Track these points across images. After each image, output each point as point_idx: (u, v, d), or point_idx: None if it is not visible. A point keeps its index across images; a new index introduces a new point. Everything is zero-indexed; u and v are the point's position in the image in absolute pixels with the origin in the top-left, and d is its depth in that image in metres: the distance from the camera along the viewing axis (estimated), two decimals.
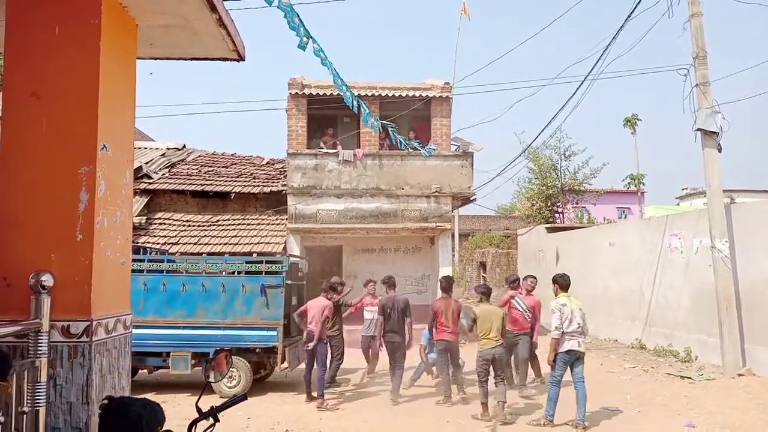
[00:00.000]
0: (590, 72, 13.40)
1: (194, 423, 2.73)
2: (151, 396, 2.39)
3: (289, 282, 9.51)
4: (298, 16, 4.99)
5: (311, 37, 5.10)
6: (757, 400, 8.15)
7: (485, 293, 8.38)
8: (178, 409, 7.69)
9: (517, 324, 9.18)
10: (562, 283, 7.60)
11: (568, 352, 7.30)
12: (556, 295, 7.64)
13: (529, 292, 9.60)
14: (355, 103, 6.92)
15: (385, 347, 9.13)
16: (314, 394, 8.71)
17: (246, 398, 3.05)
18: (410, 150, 14.00)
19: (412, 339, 9.16)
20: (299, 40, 4.97)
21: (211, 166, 16.90)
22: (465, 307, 9.81)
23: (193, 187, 15.41)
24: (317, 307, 8.87)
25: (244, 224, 14.90)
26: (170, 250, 12.59)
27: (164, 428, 2.38)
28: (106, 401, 2.25)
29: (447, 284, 8.99)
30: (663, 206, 25.71)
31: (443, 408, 8.35)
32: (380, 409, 8.39)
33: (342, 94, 6.67)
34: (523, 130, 62.45)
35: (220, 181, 15.84)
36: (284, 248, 13.85)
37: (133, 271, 4.21)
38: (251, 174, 16.42)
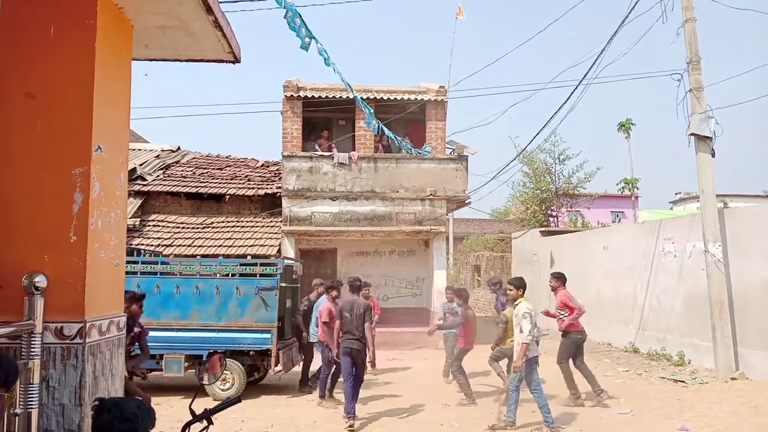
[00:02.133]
0: (585, 76, 13.47)
1: (188, 425, 2.73)
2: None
3: (283, 284, 9.49)
4: (300, 16, 5.00)
5: (314, 38, 5.11)
6: (750, 404, 8.18)
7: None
8: (171, 411, 7.66)
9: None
10: (522, 285, 7.51)
11: (535, 357, 7.30)
12: (514, 300, 7.43)
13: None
14: (360, 100, 6.94)
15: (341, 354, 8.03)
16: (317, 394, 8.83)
17: (240, 401, 3.05)
18: (407, 152, 14.04)
19: (374, 345, 8.62)
20: (301, 41, 4.99)
21: (205, 168, 16.88)
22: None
23: (187, 189, 15.38)
24: (323, 311, 8.79)
25: (238, 227, 14.88)
26: (164, 252, 12.56)
27: (158, 430, 2.37)
28: (97, 402, 2.24)
29: (467, 296, 9.68)
30: (657, 210, 25.85)
31: (439, 410, 8.33)
32: (375, 412, 8.37)
33: (350, 93, 6.70)
34: (518, 134, 62.64)
35: (215, 183, 15.82)
36: (279, 251, 13.83)
37: (127, 272, 4.21)
38: (246, 176, 16.40)
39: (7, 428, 2.61)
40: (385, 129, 11.03)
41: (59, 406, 2.84)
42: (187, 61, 4.02)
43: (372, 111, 9.49)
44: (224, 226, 14.81)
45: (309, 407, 8.69)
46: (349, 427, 7.42)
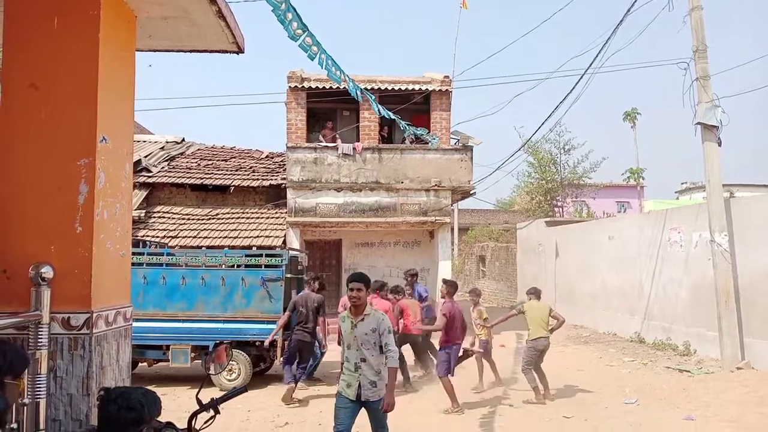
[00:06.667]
0: (590, 66, 13.40)
1: (195, 415, 2.74)
2: (151, 389, 2.39)
3: (288, 275, 9.51)
4: (295, 10, 4.94)
5: (306, 30, 5.06)
6: (755, 394, 8.18)
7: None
8: (178, 401, 7.71)
9: None
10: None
11: None
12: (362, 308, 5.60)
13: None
14: (359, 93, 6.85)
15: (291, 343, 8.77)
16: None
17: (246, 390, 3.07)
18: (413, 138, 13.98)
19: (326, 338, 9.34)
20: (288, 32, 4.93)
21: (210, 160, 16.88)
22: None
23: (192, 181, 15.39)
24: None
25: (243, 218, 14.90)
26: (170, 244, 12.59)
27: (165, 420, 2.38)
28: (102, 392, 2.25)
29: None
30: (662, 200, 25.73)
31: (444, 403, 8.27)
32: None
33: (338, 84, 6.61)
34: (523, 125, 62.45)
35: (220, 174, 15.83)
36: (284, 242, 13.85)
37: (133, 264, 4.22)
38: (251, 167, 16.40)
39: (15, 418, 2.63)
40: (393, 116, 10.92)
41: (67, 396, 2.86)
42: (190, 51, 4.01)
43: (375, 98, 9.47)
44: (229, 218, 14.84)
45: (315, 397, 8.72)
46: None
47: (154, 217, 14.68)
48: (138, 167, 15.20)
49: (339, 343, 5.62)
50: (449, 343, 8.02)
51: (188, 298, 9.20)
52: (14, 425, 2.60)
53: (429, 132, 14.05)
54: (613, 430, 7.01)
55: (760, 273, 9.69)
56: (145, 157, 16.19)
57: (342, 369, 4.97)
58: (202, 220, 14.70)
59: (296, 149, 14.28)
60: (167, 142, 18.31)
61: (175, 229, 14.06)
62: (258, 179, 15.61)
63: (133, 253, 6.22)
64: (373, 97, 8.42)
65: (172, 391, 8.59)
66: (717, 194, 10.14)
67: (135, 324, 3.59)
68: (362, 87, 13.35)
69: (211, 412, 2.75)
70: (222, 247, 12.39)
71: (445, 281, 8.91)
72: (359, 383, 4.81)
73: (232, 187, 15.31)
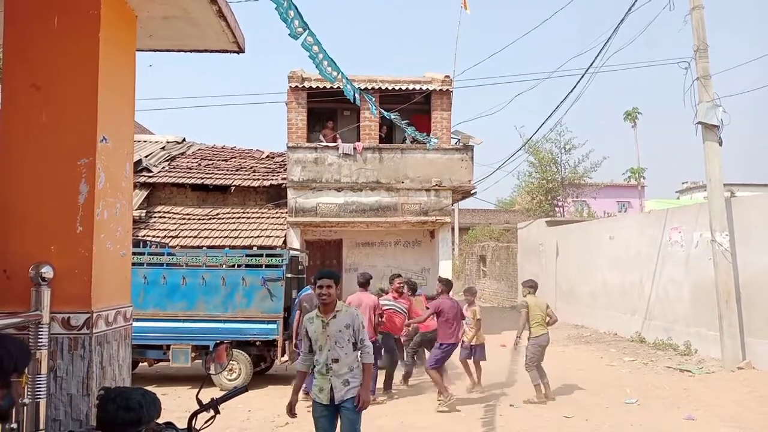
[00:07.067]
0: (591, 65, 13.38)
1: (195, 415, 2.74)
2: (151, 389, 2.39)
3: (289, 275, 9.51)
4: (296, 8, 4.94)
5: (308, 29, 5.05)
6: (757, 393, 8.18)
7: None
8: (178, 401, 7.71)
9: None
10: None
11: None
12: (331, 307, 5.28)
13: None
14: (357, 95, 6.83)
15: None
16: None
17: (246, 390, 3.07)
18: (414, 137, 13.96)
19: None
20: (290, 30, 4.93)
21: (210, 160, 16.88)
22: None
23: (192, 181, 15.39)
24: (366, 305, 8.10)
25: (244, 218, 14.90)
26: (170, 244, 12.59)
27: (165, 420, 2.38)
28: (102, 392, 2.25)
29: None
30: (663, 200, 25.75)
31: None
32: (385, 403, 8.39)
33: (332, 85, 6.57)
34: (523, 125, 62.45)
35: (220, 174, 15.83)
36: (284, 242, 13.85)
37: (133, 264, 4.22)
38: (251, 167, 16.40)
39: (15, 418, 2.62)
40: (393, 116, 10.89)
41: (67, 396, 2.86)
42: (191, 51, 4.00)
43: (374, 99, 9.44)
44: (230, 217, 14.83)
45: None
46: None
47: (155, 217, 14.68)
48: (138, 167, 15.19)
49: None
50: (445, 340, 8.11)
51: (189, 298, 9.20)
52: (14, 425, 2.59)
53: (428, 135, 14.05)
54: (614, 430, 7.00)
55: (761, 273, 9.68)
56: (146, 157, 16.19)
57: (314, 375, 4.73)
58: (203, 220, 14.70)
59: (297, 149, 14.27)
60: (168, 142, 18.31)
61: (175, 229, 14.06)
62: (258, 179, 15.61)
63: (134, 253, 6.22)
64: (372, 99, 8.39)
65: (172, 391, 8.59)
66: (718, 194, 10.14)
67: (135, 324, 3.59)
68: (363, 87, 13.37)
69: (212, 412, 2.75)
70: (222, 246, 12.39)
71: (439, 279, 9.04)
72: (331, 385, 4.58)
73: (233, 187, 15.31)
